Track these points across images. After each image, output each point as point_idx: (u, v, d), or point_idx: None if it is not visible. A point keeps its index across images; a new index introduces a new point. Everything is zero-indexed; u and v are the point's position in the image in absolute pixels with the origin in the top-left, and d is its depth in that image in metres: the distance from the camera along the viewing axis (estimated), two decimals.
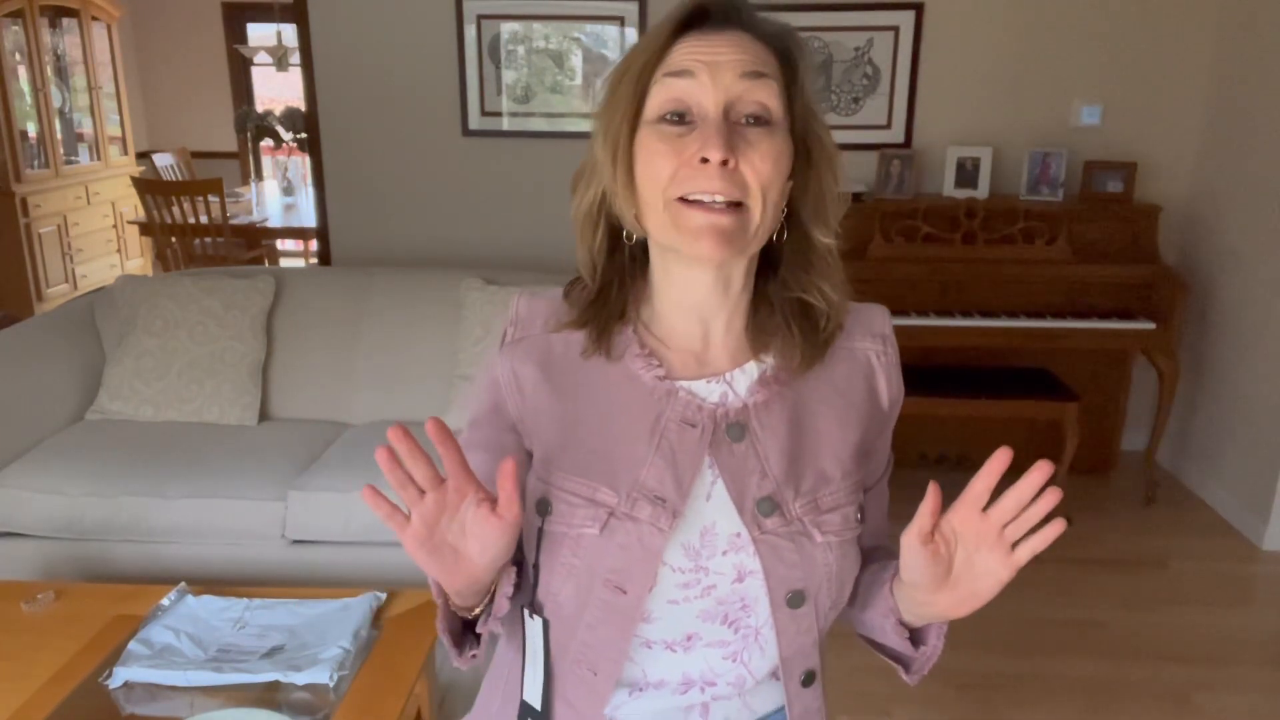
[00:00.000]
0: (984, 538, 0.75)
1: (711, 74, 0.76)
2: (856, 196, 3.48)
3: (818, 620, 0.86)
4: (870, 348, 0.90)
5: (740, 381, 0.85)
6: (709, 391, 0.84)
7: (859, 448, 0.88)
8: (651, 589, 0.82)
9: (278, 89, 7.60)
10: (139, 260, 6.92)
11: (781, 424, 0.84)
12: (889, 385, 0.90)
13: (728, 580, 0.83)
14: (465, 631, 0.87)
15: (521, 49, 3.69)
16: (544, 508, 0.84)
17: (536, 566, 0.85)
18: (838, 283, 0.85)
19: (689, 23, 0.79)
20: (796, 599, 0.83)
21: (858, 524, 0.86)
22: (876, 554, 0.97)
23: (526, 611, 0.86)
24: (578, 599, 0.83)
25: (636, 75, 0.78)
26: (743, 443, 0.83)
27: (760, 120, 0.78)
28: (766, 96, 0.78)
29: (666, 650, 0.86)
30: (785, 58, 0.80)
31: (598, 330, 0.85)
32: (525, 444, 0.88)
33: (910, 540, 0.76)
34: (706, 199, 0.76)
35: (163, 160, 6.56)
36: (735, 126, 0.77)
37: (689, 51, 0.77)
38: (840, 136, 3.38)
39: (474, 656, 0.86)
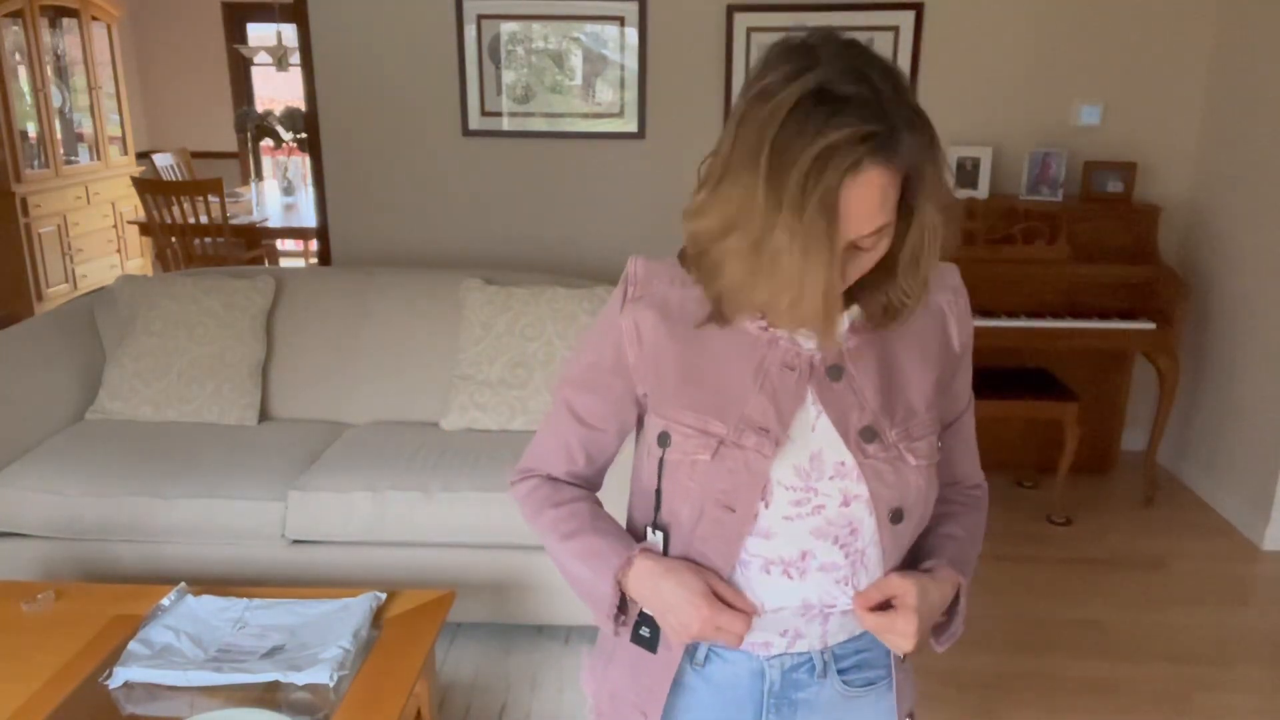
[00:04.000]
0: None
1: (848, 236, 0.84)
2: None
3: (909, 537, 1.00)
4: (943, 298, 1.02)
5: None
6: (806, 339, 0.96)
7: (938, 384, 1.01)
8: (756, 512, 0.95)
9: (278, 89, 7.60)
10: (139, 260, 6.92)
11: (873, 365, 0.97)
12: (959, 330, 1.03)
13: (835, 503, 0.96)
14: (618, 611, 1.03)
15: (521, 49, 3.69)
16: (664, 440, 0.98)
17: (659, 492, 0.99)
18: (925, 277, 0.93)
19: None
20: (897, 516, 0.97)
21: (938, 451, 1.00)
22: (949, 494, 1.10)
23: (650, 529, 1.02)
24: (693, 516, 0.97)
25: (821, 210, 0.80)
26: (841, 382, 0.96)
27: (877, 232, 0.85)
28: (887, 222, 0.85)
29: (784, 576, 0.98)
30: (916, 172, 0.85)
31: (719, 314, 0.95)
32: (634, 389, 1.03)
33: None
34: None
35: (163, 160, 6.55)
36: (852, 247, 0.85)
37: (841, 215, 0.81)
38: None
39: (624, 624, 1.03)
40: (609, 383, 1.04)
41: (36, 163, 5.96)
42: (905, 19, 3.56)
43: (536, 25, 3.67)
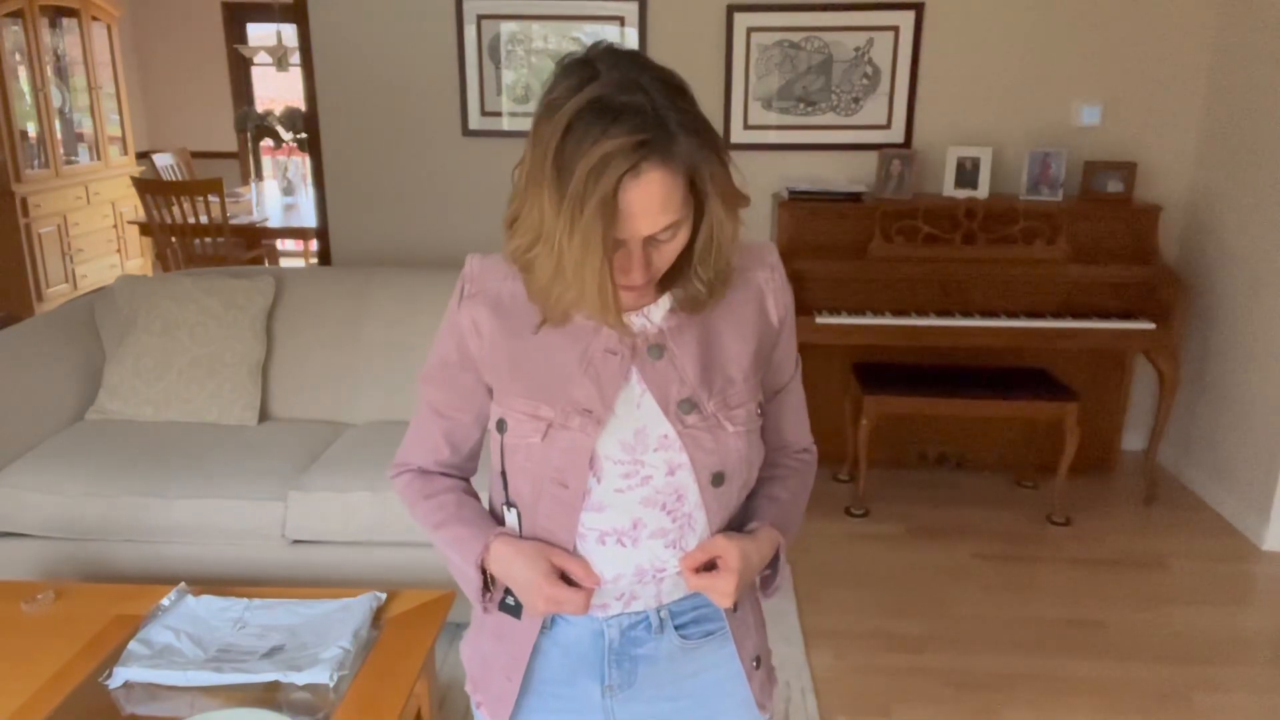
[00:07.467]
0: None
1: (640, 234, 0.92)
2: (856, 197, 3.48)
3: (734, 498, 1.09)
4: (760, 276, 1.10)
5: (655, 313, 1.05)
6: (629, 323, 1.03)
7: (755, 356, 1.09)
8: (588, 487, 1.03)
9: (278, 89, 7.61)
10: (139, 260, 6.92)
11: (693, 341, 1.05)
12: (776, 304, 1.11)
13: (661, 473, 1.04)
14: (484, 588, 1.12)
15: (521, 49, 3.69)
16: (502, 426, 1.07)
17: (505, 474, 1.08)
18: (727, 264, 1.02)
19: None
20: (718, 479, 1.05)
21: (759, 418, 1.09)
22: (776, 459, 1.18)
23: (505, 506, 1.10)
24: (534, 495, 1.05)
25: (599, 212, 0.88)
26: (662, 360, 1.04)
27: (670, 227, 0.94)
28: (677, 218, 0.93)
29: (618, 545, 1.06)
30: (697, 172, 0.93)
31: (546, 317, 1.03)
32: (484, 379, 1.10)
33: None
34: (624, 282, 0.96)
35: (163, 160, 6.56)
36: (651, 241, 0.94)
37: (626, 216, 0.90)
38: (840, 136, 3.41)
39: (491, 601, 1.12)
40: (458, 376, 1.11)
41: (36, 163, 5.96)
42: (905, 19, 3.56)
43: (536, 25, 3.67)
